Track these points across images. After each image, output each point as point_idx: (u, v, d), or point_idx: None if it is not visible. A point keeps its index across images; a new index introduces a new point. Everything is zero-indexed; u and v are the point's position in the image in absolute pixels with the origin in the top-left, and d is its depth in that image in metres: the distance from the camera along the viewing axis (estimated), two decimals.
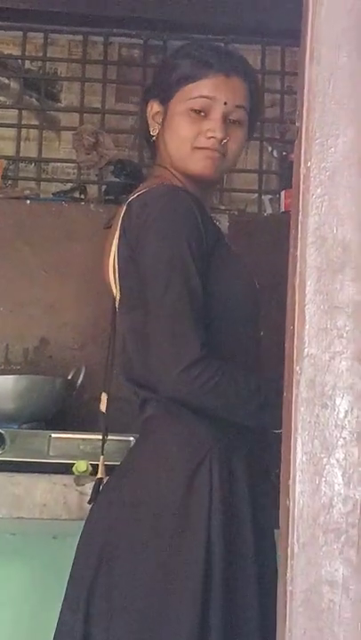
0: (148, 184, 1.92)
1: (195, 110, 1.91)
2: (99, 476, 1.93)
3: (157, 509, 1.72)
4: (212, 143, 1.90)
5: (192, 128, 1.90)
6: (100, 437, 1.99)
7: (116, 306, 1.93)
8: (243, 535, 1.73)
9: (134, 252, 1.82)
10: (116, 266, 1.88)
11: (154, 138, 1.99)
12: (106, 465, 1.94)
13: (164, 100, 1.95)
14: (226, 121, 1.91)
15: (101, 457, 1.95)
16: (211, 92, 1.90)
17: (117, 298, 1.91)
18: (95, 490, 1.91)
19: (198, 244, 1.78)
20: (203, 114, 1.90)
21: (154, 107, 1.98)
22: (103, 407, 1.97)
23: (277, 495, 1.01)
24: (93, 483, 1.95)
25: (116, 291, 1.90)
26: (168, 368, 1.71)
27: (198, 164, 1.91)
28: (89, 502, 1.91)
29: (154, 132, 1.98)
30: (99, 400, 1.99)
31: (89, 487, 2.11)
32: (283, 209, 3.08)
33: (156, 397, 1.80)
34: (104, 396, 1.98)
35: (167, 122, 1.94)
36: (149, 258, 1.79)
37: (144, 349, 1.79)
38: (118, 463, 1.90)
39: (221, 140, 1.90)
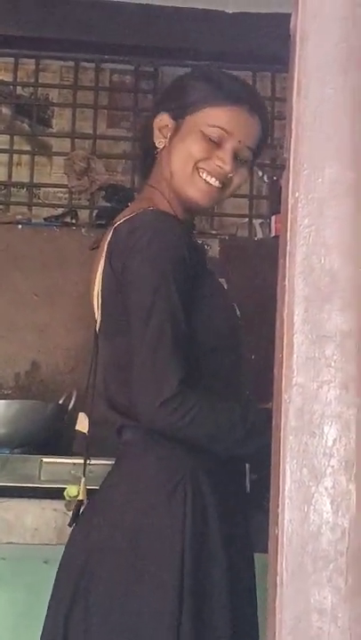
0: (135, 207, 1.89)
1: (209, 137, 1.88)
2: (79, 498, 1.92)
3: (133, 533, 1.72)
4: (217, 172, 1.89)
5: (203, 149, 1.88)
6: (92, 462, 1.99)
7: (97, 330, 1.92)
8: (216, 560, 1.72)
9: (120, 279, 1.80)
10: (101, 291, 1.86)
11: (157, 151, 1.94)
12: (92, 488, 1.93)
13: (178, 116, 1.91)
14: (235, 156, 1.90)
15: (82, 479, 1.95)
16: (229, 127, 1.88)
17: (99, 322, 1.90)
18: (75, 512, 1.91)
19: (185, 274, 1.77)
20: (216, 142, 1.88)
21: (164, 119, 1.93)
22: (80, 427, 1.97)
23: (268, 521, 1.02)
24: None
25: (98, 315, 1.90)
26: (146, 401, 1.71)
27: (197, 191, 1.89)
28: (69, 525, 1.91)
29: (159, 144, 1.93)
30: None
31: None
32: (273, 233, 3.10)
33: (134, 424, 1.80)
34: (82, 416, 1.98)
35: (177, 137, 1.90)
36: (134, 286, 1.77)
37: (125, 377, 1.77)
38: None
39: (227, 174, 1.90)
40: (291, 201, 1.01)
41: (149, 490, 1.76)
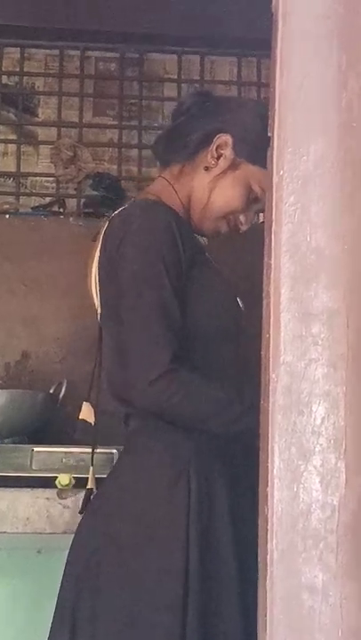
0: (136, 198, 1.92)
1: (254, 194, 1.92)
2: (89, 486, 1.93)
3: (139, 522, 1.72)
4: (235, 227, 1.96)
5: (244, 205, 1.92)
6: (83, 450, 1.99)
7: (99, 320, 1.93)
8: (222, 547, 1.72)
9: (113, 267, 1.82)
10: (98, 280, 1.88)
11: (194, 158, 1.93)
12: (82, 477, 1.93)
13: (240, 154, 1.91)
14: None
15: (91, 467, 1.95)
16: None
17: (100, 312, 1.91)
18: (86, 500, 1.91)
19: (174, 259, 1.77)
20: (252, 201, 1.93)
21: (227, 144, 1.91)
22: (84, 417, 1.97)
23: None
24: (76, 496, 1.94)
25: (97, 304, 1.91)
26: (138, 380, 1.72)
27: (213, 231, 1.96)
28: (80, 512, 1.91)
29: (210, 162, 1.91)
30: (79, 410, 1.99)
31: (72, 501, 2.12)
32: (261, 219, 3.08)
33: (137, 412, 1.80)
34: (86, 406, 1.98)
35: (229, 175, 1.92)
36: (125, 272, 1.79)
37: (122, 363, 1.79)
38: (103, 475, 1.90)
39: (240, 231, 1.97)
40: (275, 179, 1.00)
41: (153, 477, 1.76)
